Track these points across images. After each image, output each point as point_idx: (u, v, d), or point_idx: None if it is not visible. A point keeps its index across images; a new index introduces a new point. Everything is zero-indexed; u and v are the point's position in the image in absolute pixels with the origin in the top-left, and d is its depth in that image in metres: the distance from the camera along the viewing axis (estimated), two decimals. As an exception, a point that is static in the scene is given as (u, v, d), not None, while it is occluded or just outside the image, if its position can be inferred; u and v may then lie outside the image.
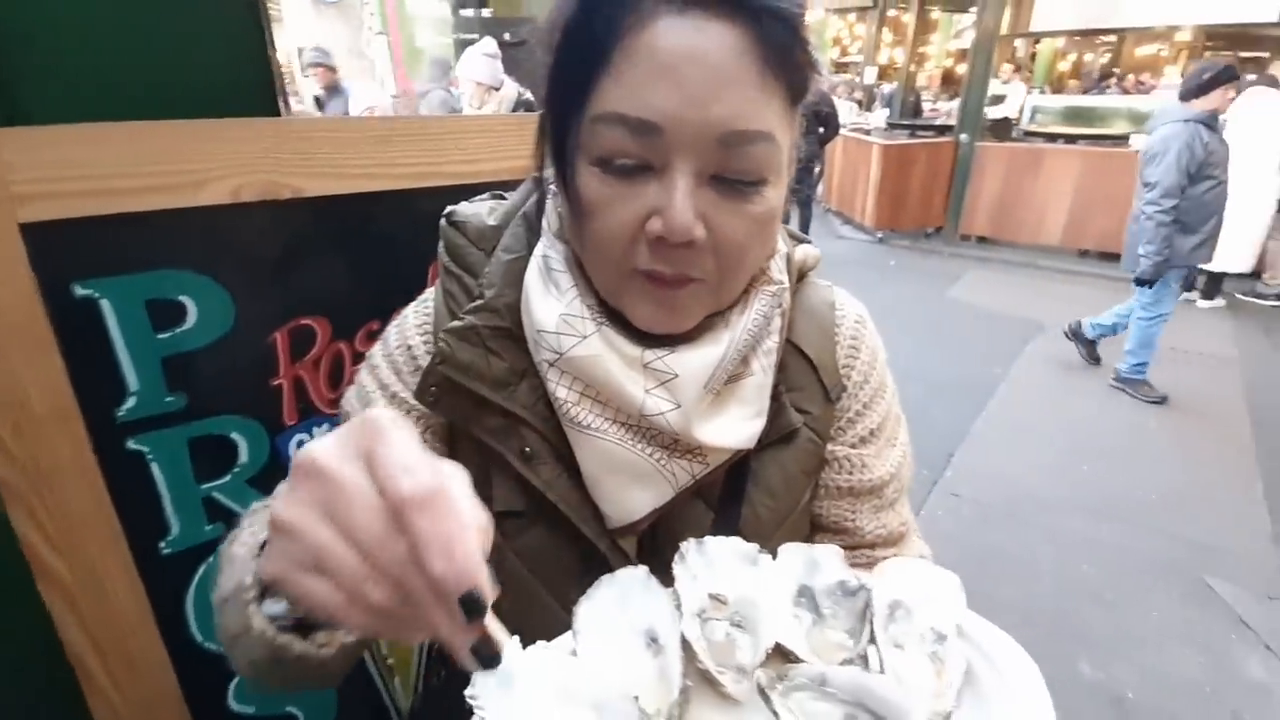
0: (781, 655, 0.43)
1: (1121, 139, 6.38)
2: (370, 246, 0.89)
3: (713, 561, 0.48)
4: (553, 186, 0.56)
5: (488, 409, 0.55)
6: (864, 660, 0.43)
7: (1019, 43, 10.08)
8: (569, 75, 0.47)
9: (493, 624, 0.31)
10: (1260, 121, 4.72)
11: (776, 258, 0.59)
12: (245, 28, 0.81)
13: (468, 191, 0.67)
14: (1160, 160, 3.30)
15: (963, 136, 6.94)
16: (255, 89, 0.83)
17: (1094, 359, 4.22)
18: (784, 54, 0.45)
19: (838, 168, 8.12)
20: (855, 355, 0.64)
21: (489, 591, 0.30)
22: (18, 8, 0.70)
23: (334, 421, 0.64)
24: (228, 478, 0.85)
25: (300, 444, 0.89)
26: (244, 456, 0.85)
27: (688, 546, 0.48)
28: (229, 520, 0.84)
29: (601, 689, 0.39)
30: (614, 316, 0.54)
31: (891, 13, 10.96)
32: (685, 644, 0.42)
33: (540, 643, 0.43)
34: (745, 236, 0.49)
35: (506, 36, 4.02)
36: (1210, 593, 2.41)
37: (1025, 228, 6.79)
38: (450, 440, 0.60)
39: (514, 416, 0.55)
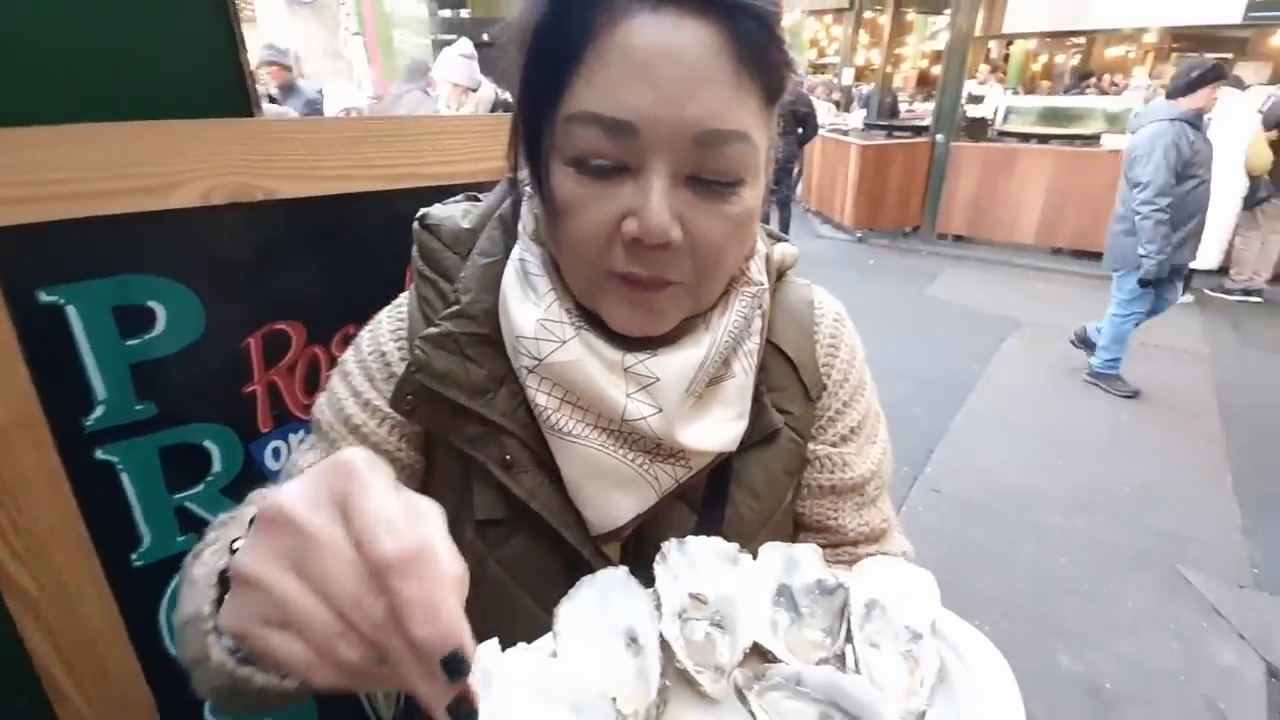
0: (760, 654, 0.44)
1: (1093, 139, 6.51)
2: (346, 249, 0.88)
3: (694, 561, 0.48)
4: (528, 188, 0.56)
5: (466, 417, 0.55)
6: (840, 659, 0.44)
7: (993, 44, 10.26)
8: (541, 74, 0.46)
9: (473, 680, 0.29)
10: (1226, 121, 4.84)
11: (756, 258, 0.59)
12: (214, 26, 0.79)
13: (445, 193, 0.67)
14: (1147, 159, 3.31)
15: (938, 137, 7.03)
16: (226, 89, 0.82)
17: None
18: (759, 53, 0.45)
19: (817, 168, 8.19)
20: (835, 354, 0.65)
21: (472, 650, 0.28)
22: (-24, 8, 0.68)
23: (309, 428, 0.63)
24: (201, 487, 0.83)
25: (276, 451, 0.88)
26: (217, 465, 0.84)
27: (669, 546, 0.48)
28: (202, 530, 0.82)
29: (580, 689, 0.39)
30: (593, 320, 0.53)
31: (868, 14, 11.07)
32: (664, 644, 0.42)
33: (520, 644, 0.42)
34: (723, 238, 0.49)
35: (485, 37, 4.00)
36: (1183, 582, 2.46)
37: (1000, 226, 6.91)
38: (427, 449, 0.59)
39: (493, 424, 0.55)
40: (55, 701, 0.77)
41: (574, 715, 0.37)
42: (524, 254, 0.55)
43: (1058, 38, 11.11)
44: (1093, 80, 10.40)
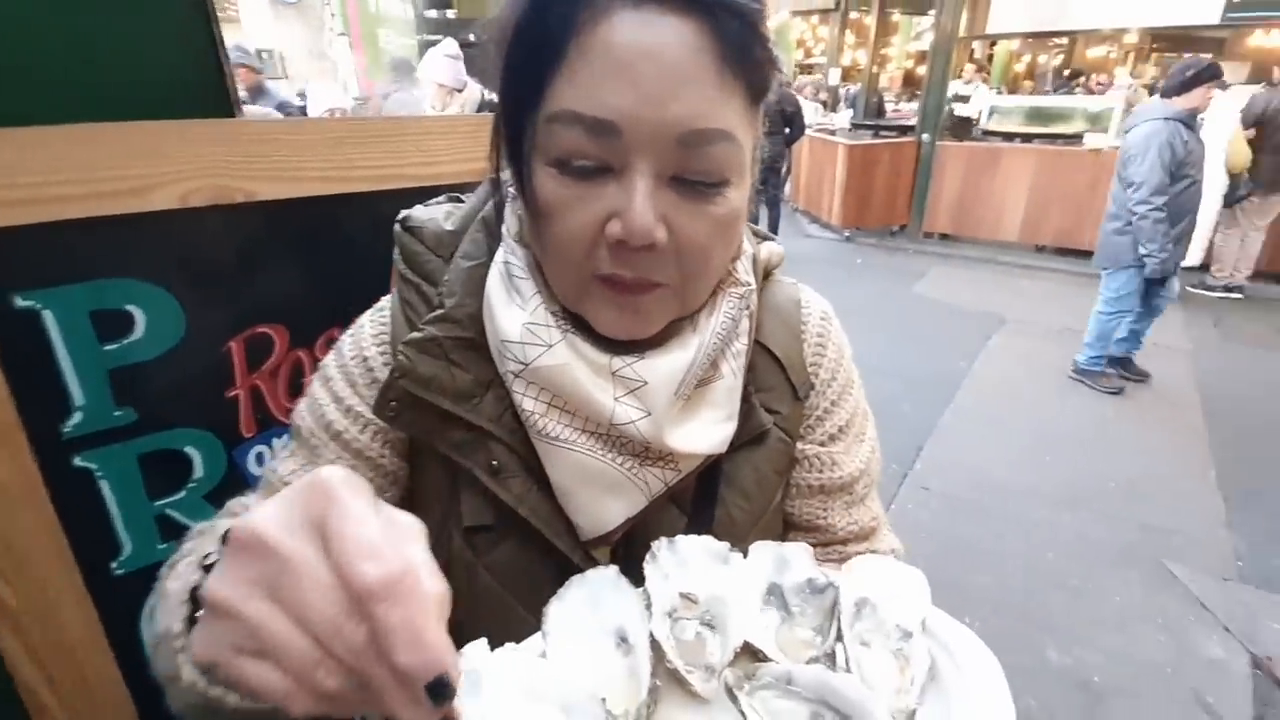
0: (750, 653, 0.43)
1: (1075, 138, 6.58)
2: (329, 251, 0.87)
3: (684, 560, 0.47)
4: (511, 189, 0.55)
5: (452, 423, 0.54)
6: (831, 658, 0.44)
7: (976, 44, 10.36)
8: (522, 73, 0.46)
9: (457, 704, 0.29)
10: (1209, 120, 4.90)
11: (743, 258, 0.59)
12: (193, 26, 0.78)
13: (429, 194, 0.66)
14: (1142, 159, 3.29)
15: (924, 136, 7.08)
16: (205, 90, 0.80)
17: (1141, 376, 3.99)
18: (742, 51, 0.45)
19: (804, 167, 8.23)
20: (822, 352, 0.65)
21: (457, 675, 0.27)
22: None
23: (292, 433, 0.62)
24: (183, 493, 0.82)
25: (259, 457, 0.87)
26: (199, 471, 0.83)
27: (659, 545, 0.48)
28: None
29: (569, 689, 0.38)
30: (580, 324, 0.52)
31: (854, 15, 11.12)
32: (655, 643, 0.42)
33: (509, 644, 0.42)
34: (708, 239, 0.48)
35: (471, 37, 3.98)
36: (1169, 576, 2.49)
37: (985, 224, 6.97)
38: (412, 455, 0.59)
39: (480, 430, 0.54)
40: (34, 713, 0.76)
41: (564, 715, 0.37)
42: (508, 256, 0.54)
43: (1040, 38, 11.23)
44: (1082, 79, 10.54)
